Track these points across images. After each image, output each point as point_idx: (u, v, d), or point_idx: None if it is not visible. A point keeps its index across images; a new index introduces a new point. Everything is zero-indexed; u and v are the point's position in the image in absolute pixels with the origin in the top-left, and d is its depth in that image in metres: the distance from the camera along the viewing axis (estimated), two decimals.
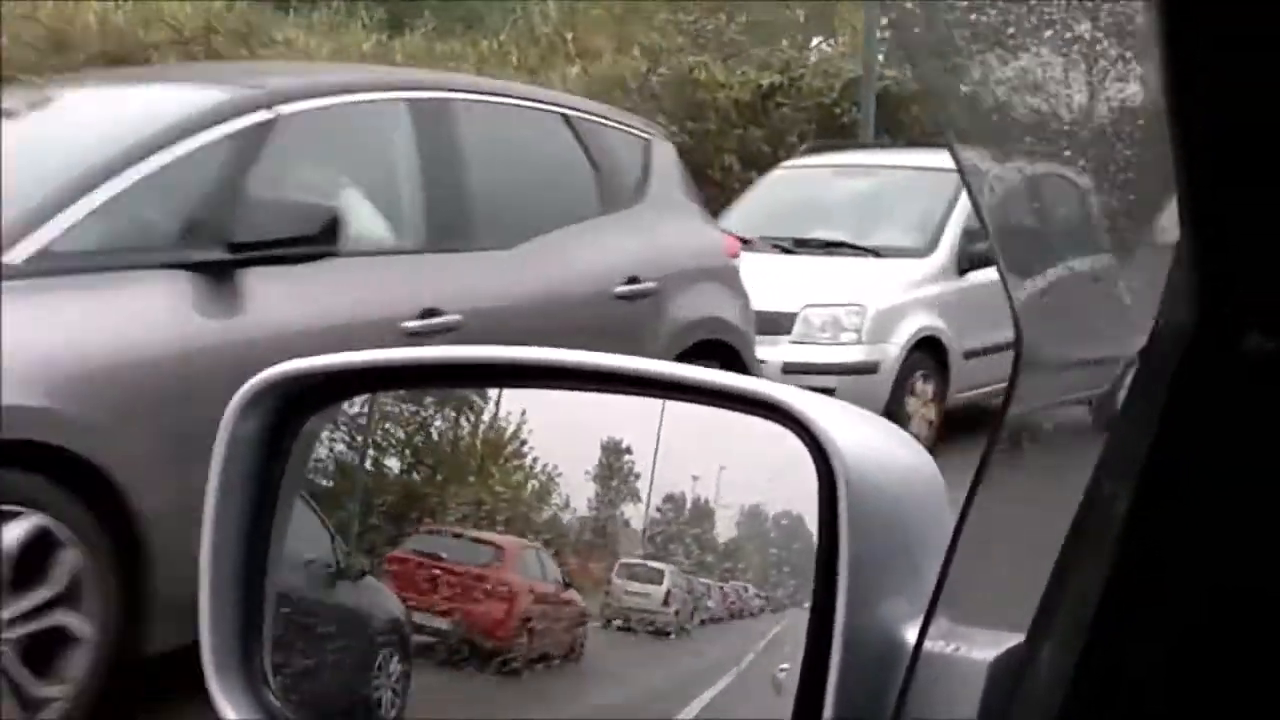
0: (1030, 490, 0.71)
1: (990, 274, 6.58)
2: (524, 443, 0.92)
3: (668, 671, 0.74)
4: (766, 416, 0.85)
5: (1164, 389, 0.67)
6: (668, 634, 0.71)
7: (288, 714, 1.03)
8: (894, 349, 8.37)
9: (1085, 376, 0.69)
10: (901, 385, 8.36)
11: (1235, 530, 0.68)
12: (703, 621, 0.73)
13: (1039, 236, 0.63)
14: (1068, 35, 0.53)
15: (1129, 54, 0.55)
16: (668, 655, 0.72)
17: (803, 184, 10.08)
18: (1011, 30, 0.52)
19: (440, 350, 1.05)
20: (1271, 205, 0.61)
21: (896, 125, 15.15)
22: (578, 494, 0.85)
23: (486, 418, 0.97)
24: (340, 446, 1.06)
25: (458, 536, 0.91)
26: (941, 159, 8.37)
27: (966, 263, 8.71)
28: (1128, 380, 0.68)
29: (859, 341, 8.32)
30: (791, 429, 0.84)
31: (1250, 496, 0.67)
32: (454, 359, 1.08)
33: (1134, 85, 0.56)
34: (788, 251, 9.05)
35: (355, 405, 1.05)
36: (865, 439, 0.87)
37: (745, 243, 7.75)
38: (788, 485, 0.85)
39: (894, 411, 8.06)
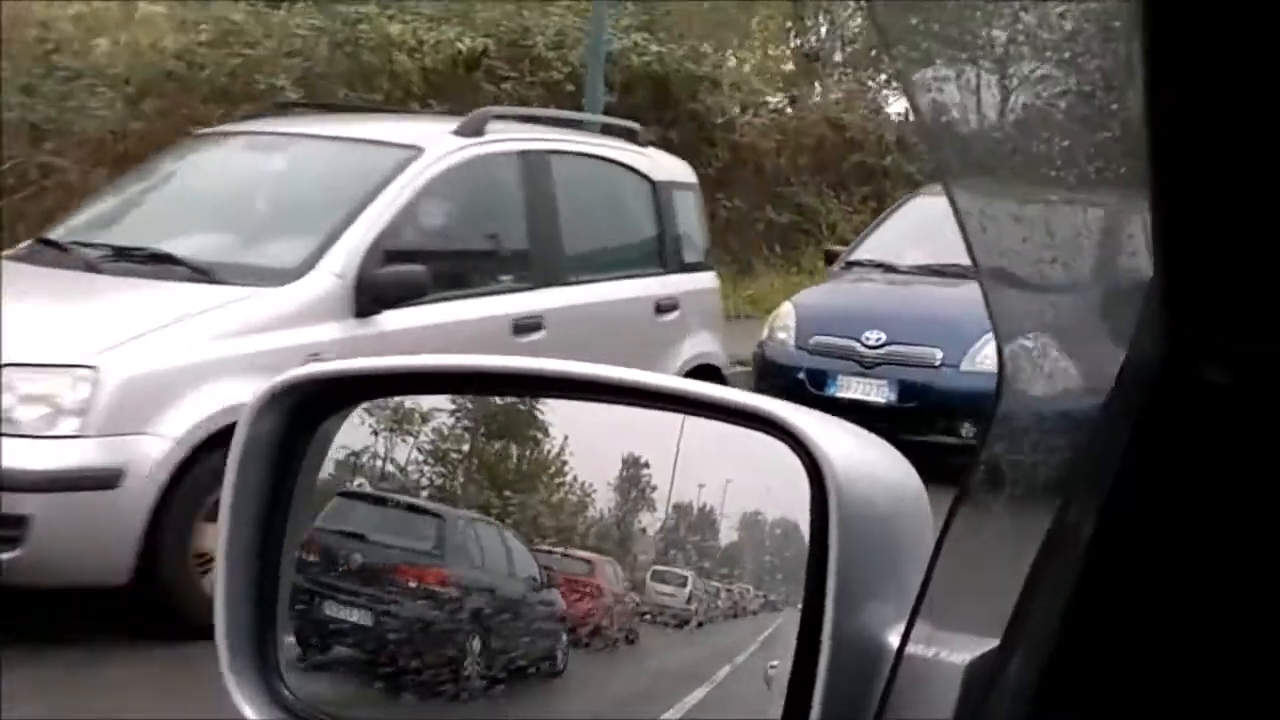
0: (1007, 509, 0.77)
1: (418, 319, 5.59)
2: (561, 458, 0.98)
3: (689, 655, 0.90)
4: (765, 431, 0.90)
5: (1130, 418, 0.72)
6: (688, 625, 0.88)
7: (299, 704, 1.07)
8: (158, 445, 4.90)
9: (1061, 406, 0.75)
10: (177, 507, 4.89)
11: (1193, 551, 0.73)
12: (713, 618, 0.89)
13: (1024, 274, 0.68)
14: (1057, 77, 0.59)
15: (1112, 103, 0.60)
16: (692, 642, 0.89)
17: (202, 162, 6.98)
18: (1011, 74, 0.58)
19: (453, 359, 1.10)
20: (1238, 248, 0.66)
21: (633, 103, 13.57)
22: (599, 502, 0.95)
23: (526, 430, 1.02)
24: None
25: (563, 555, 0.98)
26: (395, 129, 6.74)
27: (371, 295, 5.68)
28: (1099, 410, 0.73)
29: (82, 433, 4.84)
30: (788, 443, 0.89)
31: (1208, 520, 0.73)
32: (465, 368, 1.12)
33: (1114, 130, 0.61)
34: (92, 268, 5.86)
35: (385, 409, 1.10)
36: (856, 454, 0.92)
37: (59, 248, 6.04)
38: (784, 496, 0.90)
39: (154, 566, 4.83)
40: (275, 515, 1.07)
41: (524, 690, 0.93)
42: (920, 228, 9.21)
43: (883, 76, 21.22)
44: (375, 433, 1.06)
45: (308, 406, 1.09)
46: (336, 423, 1.11)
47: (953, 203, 0.63)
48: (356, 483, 1.04)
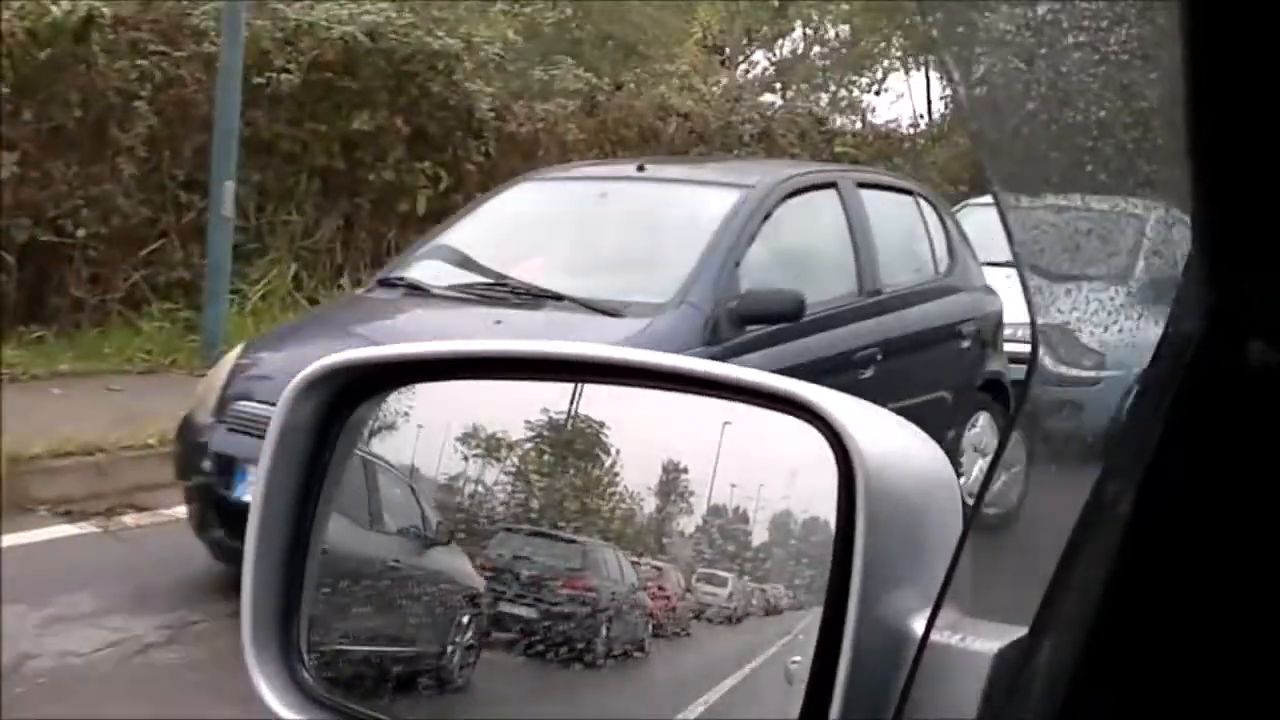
0: (1039, 491, 0.76)
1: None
2: (595, 441, 1.04)
3: (727, 647, 0.98)
4: (791, 413, 0.90)
5: (1169, 396, 0.71)
6: (730, 622, 0.97)
7: (321, 692, 1.07)
8: None
9: (1096, 385, 0.74)
10: None
11: (1234, 533, 0.72)
12: (749, 615, 0.97)
13: (1058, 251, 0.68)
14: (1095, 57, 0.59)
15: (1151, 73, 0.60)
16: (732, 637, 0.97)
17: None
18: (1044, 50, 0.58)
19: (481, 344, 1.10)
20: (1277, 225, 0.66)
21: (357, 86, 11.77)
22: (632, 492, 1.00)
23: (557, 414, 1.05)
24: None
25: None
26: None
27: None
28: (1136, 388, 0.72)
29: None
30: (816, 425, 0.88)
31: (1249, 501, 0.72)
32: (499, 354, 1.13)
33: (1152, 103, 0.61)
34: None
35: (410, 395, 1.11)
36: (885, 438, 0.91)
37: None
38: (812, 478, 0.89)
39: None
40: (307, 502, 1.08)
41: (625, 666, 1.03)
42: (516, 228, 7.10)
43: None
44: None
45: (343, 393, 1.10)
46: (370, 409, 1.11)
47: (990, 183, 0.63)
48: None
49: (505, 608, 1.06)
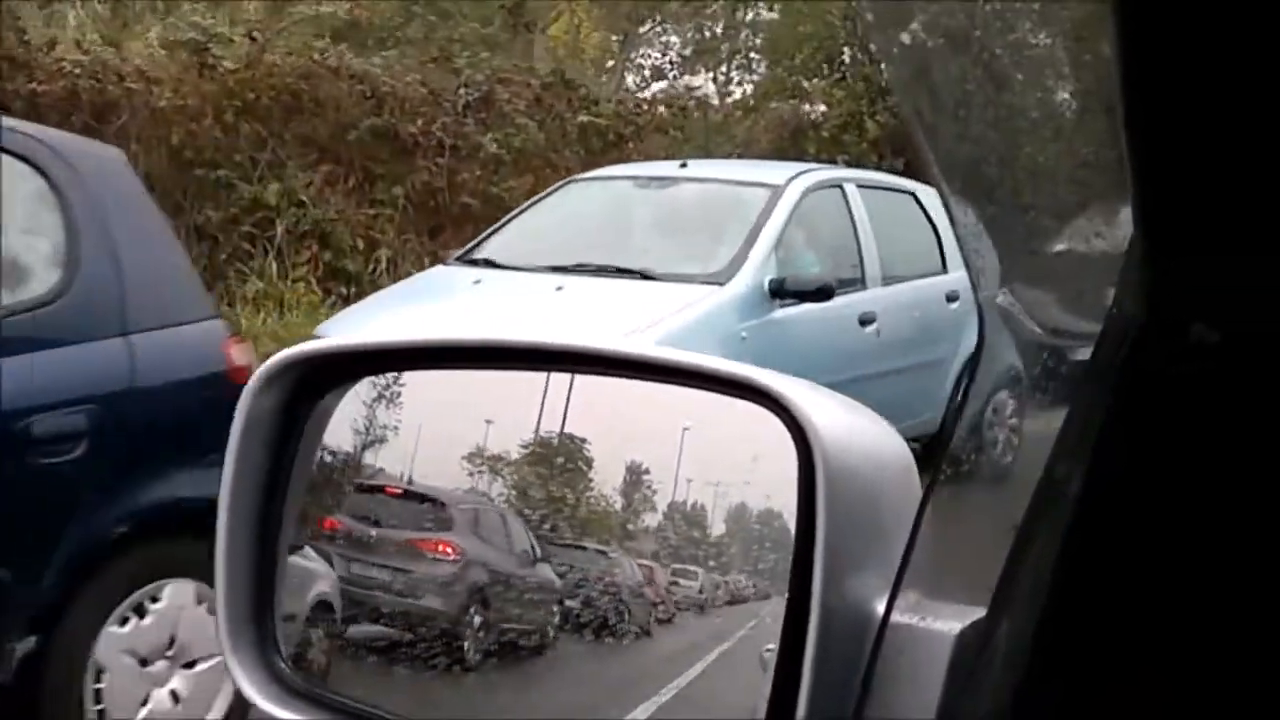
0: (991, 472, 0.76)
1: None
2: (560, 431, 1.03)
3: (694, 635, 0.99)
4: (751, 399, 0.90)
5: (1115, 377, 0.71)
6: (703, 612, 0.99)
7: (297, 681, 1.08)
8: None
9: (1043, 365, 0.74)
10: None
11: (1181, 509, 0.72)
12: (713, 605, 0.98)
13: (1003, 232, 0.68)
14: (1031, 40, 0.58)
15: (1085, 55, 0.60)
16: (701, 626, 0.99)
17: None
18: (978, 33, 0.57)
19: (447, 334, 1.10)
20: (1217, 207, 0.66)
21: None
22: (597, 481, 1.01)
23: (516, 402, 1.05)
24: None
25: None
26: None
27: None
28: (1081, 368, 0.73)
29: None
30: (774, 411, 0.88)
31: (1195, 478, 0.72)
32: (458, 343, 1.13)
33: (1088, 85, 0.60)
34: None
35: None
36: (844, 423, 0.91)
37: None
38: (772, 465, 0.89)
39: None
40: (275, 491, 1.08)
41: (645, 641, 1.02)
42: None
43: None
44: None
45: (307, 383, 1.10)
46: (336, 399, 1.11)
47: (929, 164, 0.63)
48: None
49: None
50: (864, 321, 7.70)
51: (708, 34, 20.45)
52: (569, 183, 9.02)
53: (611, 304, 6.97)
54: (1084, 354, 0.72)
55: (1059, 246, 0.70)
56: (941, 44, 0.57)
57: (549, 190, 8.94)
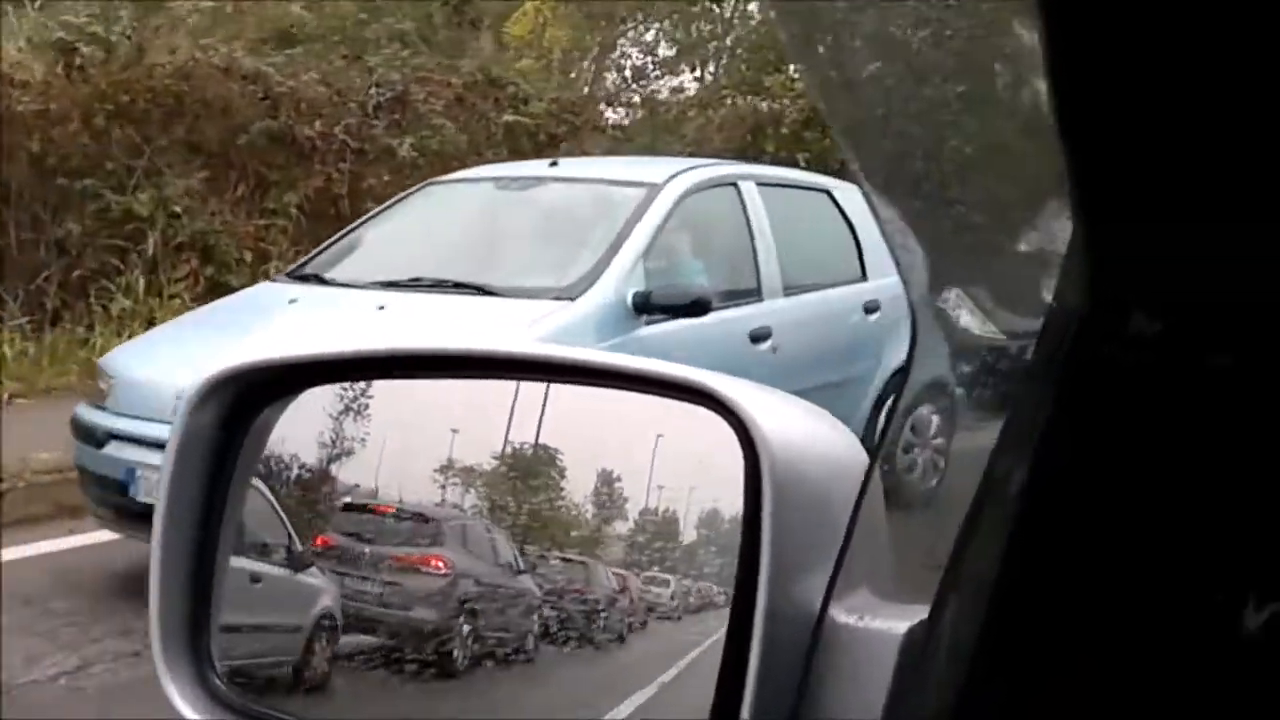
0: (930, 470, 0.75)
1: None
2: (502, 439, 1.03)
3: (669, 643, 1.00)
4: (697, 403, 0.89)
5: (1057, 370, 0.70)
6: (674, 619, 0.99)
7: (233, 697, 1.06)
8: None
9: (981, 361, 0.73)
10: None
11: (1122, 504, 0.71)
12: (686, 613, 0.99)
13: (934, 229, 0.67)
14: (946, 33, 0.57)
15: (1005, 48, 0.58)
16: (673, 634, 0.99)
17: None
18: (892, 28, 0.56)
19: (384, 345, 1.09)
20: (1155, 195, 0.65)
21: None
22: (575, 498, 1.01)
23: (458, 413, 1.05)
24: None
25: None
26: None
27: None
28: (1022, 363, 0.71)
29: None
30: (721, 414, 0.87)
31: (1138, 472, 0.71)
32: (398, 353, 1.11)
33: (1008, 78, 0.59)
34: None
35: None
36: (792, 425, 0.90)
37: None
38: (720, 469, 0.88)
39: None
40: (212, 507, 1.06)
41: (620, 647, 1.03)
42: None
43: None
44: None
45: (246, 397, 1.08)
46: (275, 413, 1.09)
47: (852, 155, 0.61)
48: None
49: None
50: (756, 338, 6.79)
51: (694, 33, 20.02)
52: (427, 185, 7.99)
53: (437, 325, 6.09)
54: (1025, 351, 0.71)
55: (993, 241, 0.69)
56: (859, 46, 0.56)
57: (404, 194, 8.00)
